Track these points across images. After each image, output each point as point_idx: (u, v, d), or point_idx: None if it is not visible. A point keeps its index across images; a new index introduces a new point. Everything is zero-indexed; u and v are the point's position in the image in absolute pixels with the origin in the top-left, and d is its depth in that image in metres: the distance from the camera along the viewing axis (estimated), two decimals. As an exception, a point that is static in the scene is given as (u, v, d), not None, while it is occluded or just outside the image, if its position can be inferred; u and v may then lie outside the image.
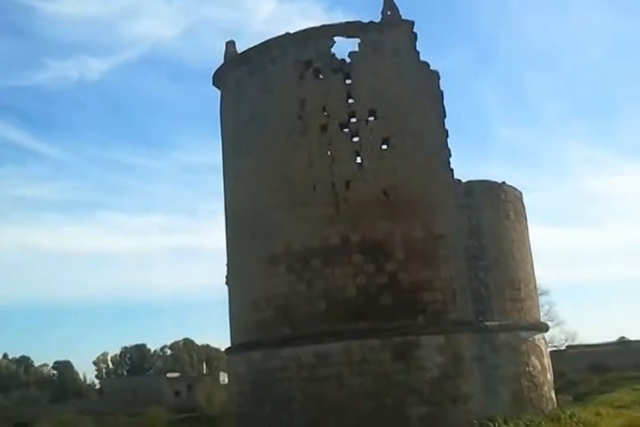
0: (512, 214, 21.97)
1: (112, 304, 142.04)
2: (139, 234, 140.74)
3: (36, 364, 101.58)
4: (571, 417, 19.23)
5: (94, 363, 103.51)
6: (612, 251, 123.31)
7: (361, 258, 19.44)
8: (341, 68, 21.10)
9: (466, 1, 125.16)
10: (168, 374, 72.11)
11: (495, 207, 21.44)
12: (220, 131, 24.49)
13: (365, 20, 21.39)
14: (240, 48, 23.52)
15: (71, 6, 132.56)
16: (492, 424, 17.31)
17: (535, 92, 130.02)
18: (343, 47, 21.50)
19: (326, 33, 21.40)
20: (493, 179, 22.13)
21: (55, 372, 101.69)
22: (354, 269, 19.37)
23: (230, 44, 23.92)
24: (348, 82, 21.15)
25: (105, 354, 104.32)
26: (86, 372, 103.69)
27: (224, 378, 64.23)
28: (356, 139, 20.80)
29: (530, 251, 22.87)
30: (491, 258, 20.54)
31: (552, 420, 18.99)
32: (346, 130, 20.87)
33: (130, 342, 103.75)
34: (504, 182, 22.35)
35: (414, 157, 20.26)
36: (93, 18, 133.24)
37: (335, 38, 21.42)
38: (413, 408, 18.31)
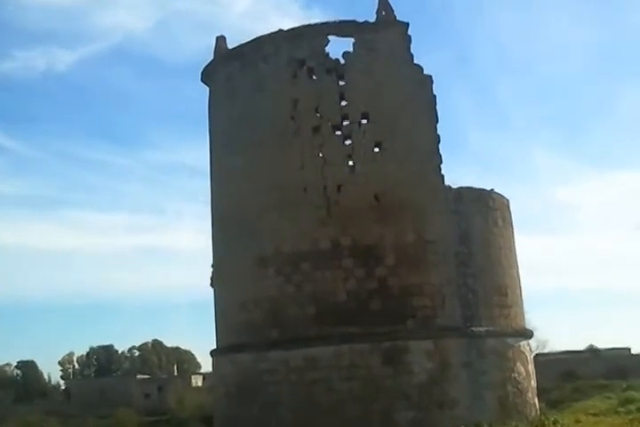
0: (500, 221, 22.06)
1: (78, 304, 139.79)
2: (104, 232, 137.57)
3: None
4: (554, 424, 19.45)
5: (60, 363, 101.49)
6: (580, 261, 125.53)
7: (351, 262, 19.33)
8: (335, 69, 20.92)
9: (441, 3, 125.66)
10: (138, 376, 70.91)
11: (484, 214, 21.50)
12: (208, 128, 24.02)
13: (360, 20, 21.21)
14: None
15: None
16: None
17: (507, 98, 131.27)
18: (336, 46, 21.32)
19: (320, 31, 21.20)
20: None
21: (19, 372, 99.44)
22: (344, 274, 19.26)
23: (221, 40, 23.51)
24: (342, 83, 21.00)
25: (71, 354, 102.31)
26: (51, 372, 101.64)
27: (196, 381, 63.65)
28: (348, 141, 20.68)
29: (516, 258, 23.00)
30: (479, 264, 20.59)
31: (536, 426, 19.19)
32: (338, 132, 20.74)
33: (97, 343, 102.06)
34: (492, 190, 22.46)
35: (406, 162, 20.22)
36: (63, 6, 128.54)
37: (329, 37, 21.20)
38: (401, 413, 18.26)
